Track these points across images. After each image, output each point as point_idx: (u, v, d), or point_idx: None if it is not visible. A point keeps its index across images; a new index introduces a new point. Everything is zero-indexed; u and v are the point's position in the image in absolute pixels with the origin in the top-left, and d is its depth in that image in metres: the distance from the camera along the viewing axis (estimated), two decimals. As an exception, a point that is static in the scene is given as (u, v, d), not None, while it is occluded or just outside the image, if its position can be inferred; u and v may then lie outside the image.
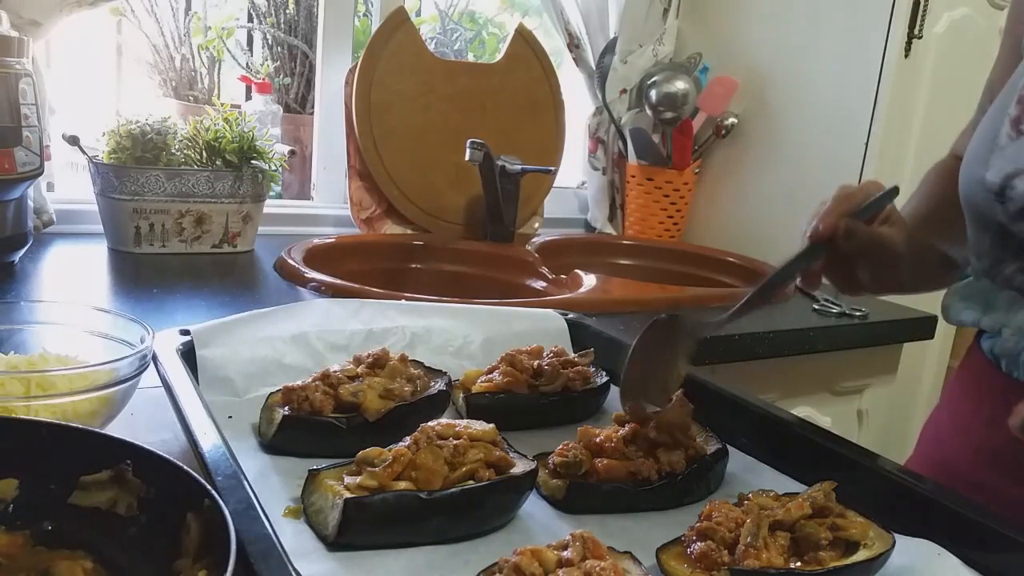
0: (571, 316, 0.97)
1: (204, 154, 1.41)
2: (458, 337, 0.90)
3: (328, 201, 1.76)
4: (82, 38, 1.76)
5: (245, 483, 0.54)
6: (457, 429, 0.64)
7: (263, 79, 1.85)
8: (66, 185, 1.57)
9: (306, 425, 0.69)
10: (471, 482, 0.60)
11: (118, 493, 0.52)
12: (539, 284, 1.53)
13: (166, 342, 0.76)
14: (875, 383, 1.56)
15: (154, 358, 0.73)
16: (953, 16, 1.67)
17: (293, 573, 0.46)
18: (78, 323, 0.78)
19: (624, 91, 1.92)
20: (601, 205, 1.97)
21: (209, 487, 0.48)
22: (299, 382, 0.72)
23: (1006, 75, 0.79)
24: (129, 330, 0.75)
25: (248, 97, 1.90)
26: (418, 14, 2.11)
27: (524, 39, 1.78)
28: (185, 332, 0.78)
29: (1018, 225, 0.70)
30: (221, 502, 0.46)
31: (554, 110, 1.81)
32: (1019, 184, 0.69)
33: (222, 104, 1.48)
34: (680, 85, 1.86)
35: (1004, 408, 0.75)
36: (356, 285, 1.23)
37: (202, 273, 1.34)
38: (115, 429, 0.70)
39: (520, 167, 1.62)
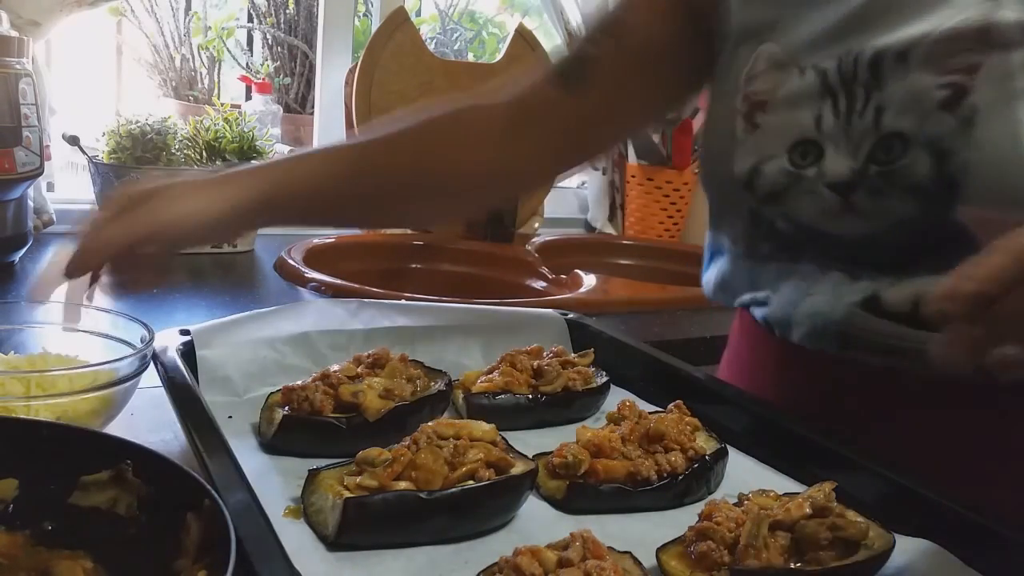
0: (571, 316, 0.97)
1: (204, 154, 1.41)
2: (458, 337, 0.90)
3: (328, 201, 1.75)
4: (82, 38, 1.76)
5: (245, 483, 0.54)
6: (457, 429, 0.64)
7: (263, 79, 1.85)
8: (66, 185, 1.57)
9: (306, 425, 0.69)
10: (471, 482, 0.60)
11: (118, 493, 0.51)
12: (539, 284, 1.53)
13: (166, 342, 0.76)
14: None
15: (154, 358, 0.73)
16: (953, 16, 1.67)
17: (293, 573, 0.46)
18: (78, 323, 0.78)
19: (624, 91, 1.91)
20: (601, 205, 1.97)
21: (209, 487, 0.48)
22: (299, 382, 0.72)
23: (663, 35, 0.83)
24: (130, 330, 0.75)
25: (248, 97, 1.90)
26: (418, 14, 2.11)
27: (524, 39, 1.78)
28: (185, 332, 0.78)
29: (767, 207, 0.76)
30: (221, 502, 0.46)
31: (554, 110, 1.81)
32: (766, 169, 0.74)
33: (222, 104, 1.48)
34: (680, 85, 1.86)
35: (784, 368, 0.83)
36: (356, 285, 1.23)
37: (202, 273, 1.34)
38: (115, 429, 0.70)
39: (520, 167, 1.62)
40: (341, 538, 0.56)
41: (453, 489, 0.59)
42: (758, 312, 0.83)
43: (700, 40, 0.82)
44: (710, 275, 0.88)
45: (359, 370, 0.75)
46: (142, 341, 0.72)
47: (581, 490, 0.65)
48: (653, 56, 0.84)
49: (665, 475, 0.67)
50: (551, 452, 0.68)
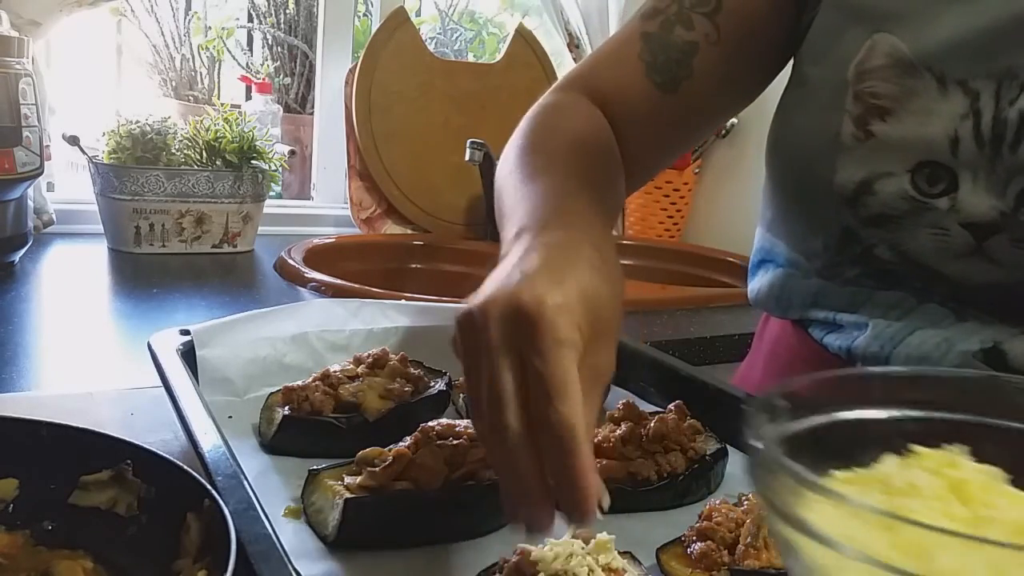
0: (571, 316, 0.97)
1: (204, 154, 1.42)
2: (458, 337, 0.90)
3: (328, 201, 1.76)
4: (82, 38, 1.77)
5: (245, 483, 0.54)
6: (457, 429, 0.64)
7: (263, 79, 1.86)
8: (66, 185, 1.57)
9: (306, 425, 0.69)
10: (471, 482, 0.60)
11: (118, 493, 0.52)
12: (539, 284, 1.53)
13: (166, 342, 0.76)
14: (875, 383, 1.56)
15: (154, 358, 0.73)
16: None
17: (293, 573, 0.46)
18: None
19: (624, 91, 1.91)
20: (601, 205, 1.97)
21: (209, 487, 0.48)
22: (299, 382, 0.72)
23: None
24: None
25: (248, 97, 1.90)
26: (418, 14, 2.11)
27: (524, 39, 1.78)
28: (185, 332, 0.78)
29: (870, 230, 0.65)
30: (221, 502, 0.46)
31: (554, 110, 1.81)
32: (880, 189, 0.63)
33: (222, 104, 1.48)
34: (680, 85, 1.86)
35: None
36: (356, 285, 1.23)
37: (202, 273, 1.34)
38: (115, 429, 0.70)
39: (520, 167, 1.62)
40: (341, 538, 0.56)
41: (453, 489, 0.59)
42: (832, 339, 0.72)
43: (792, 8, 0.73)
44: (759, 285, 0.79)
45: (359, 370, 0.75)
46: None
47: (581, 490, 0.65)
48: (748, 32, 0.74)
49: (665, 475, 0.67)
50: (551, 452, 0.68)
